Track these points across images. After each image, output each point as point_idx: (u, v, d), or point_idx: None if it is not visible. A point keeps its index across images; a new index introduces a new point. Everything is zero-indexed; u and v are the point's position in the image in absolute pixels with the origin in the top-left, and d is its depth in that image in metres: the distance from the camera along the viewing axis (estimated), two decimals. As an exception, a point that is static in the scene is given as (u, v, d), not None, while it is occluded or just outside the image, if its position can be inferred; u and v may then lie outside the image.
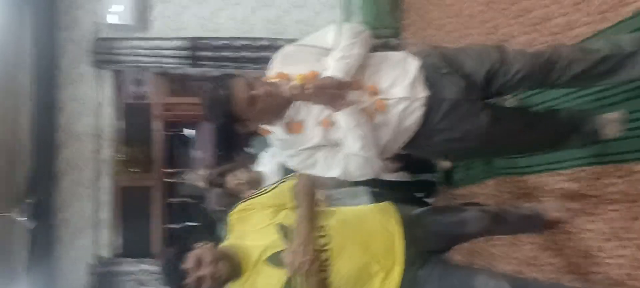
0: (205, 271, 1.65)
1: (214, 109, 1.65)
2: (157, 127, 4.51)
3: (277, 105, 1.64)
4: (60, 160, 4.34)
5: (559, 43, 2.10)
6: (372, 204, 2.07)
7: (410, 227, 1.81)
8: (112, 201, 4.34)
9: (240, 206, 1.91)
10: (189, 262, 1.67)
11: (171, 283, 1.74)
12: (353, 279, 1.74)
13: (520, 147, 1.97)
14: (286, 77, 1.66)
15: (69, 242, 4.27)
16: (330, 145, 1.69)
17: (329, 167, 1.71)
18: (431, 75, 1.71)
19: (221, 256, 1.72)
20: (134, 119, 4.51)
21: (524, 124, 1.82)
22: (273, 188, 1.93)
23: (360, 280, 1.74)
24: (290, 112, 1.67)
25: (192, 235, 4.08)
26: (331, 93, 1.62)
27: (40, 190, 4.08)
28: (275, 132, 1.73)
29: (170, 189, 4.37)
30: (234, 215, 1.90)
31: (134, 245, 4.31)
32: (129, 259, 4.26)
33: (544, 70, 1.74)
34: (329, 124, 1.66)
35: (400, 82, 1.68)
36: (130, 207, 4.37)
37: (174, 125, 4.85)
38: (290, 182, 1.87)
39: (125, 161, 4.41)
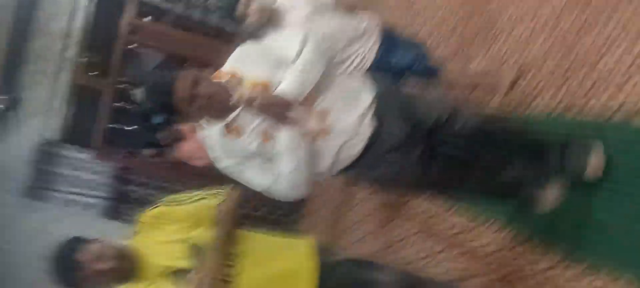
0: (105, 266, 1.57)
1: (154, 96, 1.59)
2: (121, 43, 5.07)
3: (219, 107, 1.59)
4: (31, 49, 4.94)
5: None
6: (293, 239, 1.96)
7: (323, 276, 1.71)
8: (67, 94, 4.95)
9: (155, 211, 1.82)
10: (87, 254, 1.57)
11: (62, 275, 1.61)
12: None
13: (457, 191, 1.93)
14: (237, 78, 1.62)
15: (23, 119, 4.89)
16: (264, 157, 1.67)
17: (256, 179, 1.69)
18: (381, 111, 1.70)
19: (124, 255, 1.64)
20: (102, 29, 5.08)
21: (461, 170, 1.77)
22: (194, 201, 1.83)
23: None
24: (231, 115, 1.62)
25: (128, 138, 4.71)
26: (278, 111, 1.58)
27: (10, 71, 4.71)
28: (212, 130, 1.68)
29: (120, 96, 4.93)
30: (147, 218, 1.81)
31: (77, 135, 4.93)
32: (70, 146, 4.91)
33: (491, 133, 1.76)
34: (268, 138, 1.64)
35: (350, 113, 1.67)
36: (82, 103, 4.96)
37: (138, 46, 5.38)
38: (213, 201, 1.80)
39: (87, 64, 4.98)
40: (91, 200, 4.93)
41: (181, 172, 4.45)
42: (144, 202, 1.89)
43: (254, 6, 2.20)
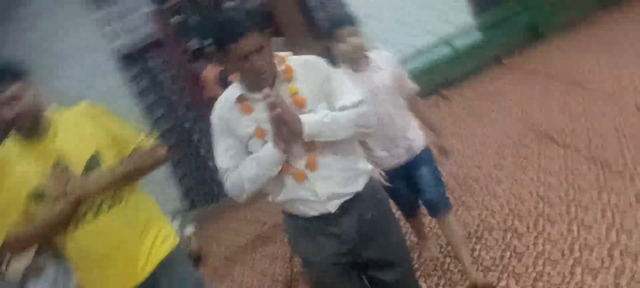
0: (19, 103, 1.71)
1: (228, 24, 1.58)
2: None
3: (257, 82, 1.62)
4: None
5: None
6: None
7: (159, 268, 1.93)
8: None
9: (99, 106, 1.92)
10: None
11: None
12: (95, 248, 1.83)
13: None
14: (288, 75, 1.67)
15: None
16: (243, 146, 1.70)
17: (222, 156, 1.72)
18: (354, 208, 1.74)
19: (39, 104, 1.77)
20: None
21: None
22: (133, 129, 1.97)
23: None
24: (256, 95, 1.64)
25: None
26: (285, 129, 1.60)
27: None
28: (234, 90, 1.70)
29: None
30: (87, 106, 1.92)
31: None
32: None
33: None
34: (261, 136, 1.66)
35: (331, 183, 1.70)
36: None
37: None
38: (145, 142, 1.94)
39: None
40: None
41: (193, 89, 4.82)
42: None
43: (354, 40, 2.35)
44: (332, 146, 1.69)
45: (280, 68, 1.68)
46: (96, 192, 1.80)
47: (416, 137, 2.52)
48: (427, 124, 2.68)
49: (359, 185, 1.76)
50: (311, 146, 1.67)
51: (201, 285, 2.05)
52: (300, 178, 1.70)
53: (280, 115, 1.57)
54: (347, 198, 1.73)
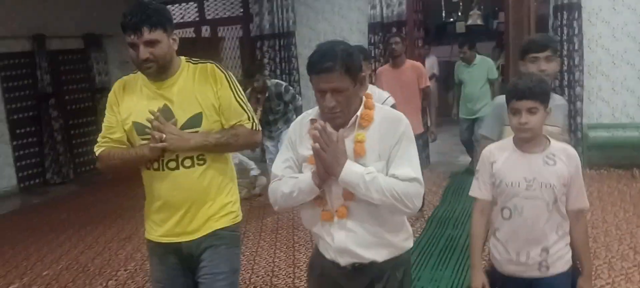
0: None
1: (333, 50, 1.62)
2: None
3: (325, 113, 1.67)
4: None
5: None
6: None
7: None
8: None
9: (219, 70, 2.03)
10: None
11: None
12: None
13: None
14: (367, 115, 1.69)
15: None
16: (298, 163, 1.78)
17: (278, 162, 1.82)
18: (366, 273, 1.74)
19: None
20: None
21: None
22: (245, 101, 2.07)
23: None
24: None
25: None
26: (322, 169, 1.64)
27: None
28: (313, 110, 1.78)
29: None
30: (212, 66, 2.03)
31: None
32: None
33: None
34: (312, 162, 1.70)
35: (353, 240, 1.70)
36: None
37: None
38: (246, 123, 2.03)
39: None
40: None
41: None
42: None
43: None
44: (370, 205, 1.67)
45: (362, 112, 1.70)
46: (185, 149, 1.94)
47: (559, 256, 2.00)
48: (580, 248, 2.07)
49: (379, 256, 1.74)
50: (349, 195, 1.68)
51: (234, 274, 2.13)
52: (327, 218, 1.74)
53: (318, 151, 1.62)
54: (361, 261, 1.74)
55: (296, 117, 1.95)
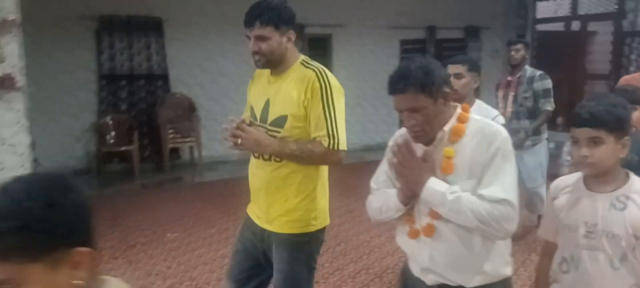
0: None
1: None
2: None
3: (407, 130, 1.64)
4: None
5: None
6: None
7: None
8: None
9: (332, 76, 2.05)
10: None
11: None
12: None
13: None
14: (458, 130, 1.59)
15: None
16: (389, 179, 1.72)
17: (378, 174, 1.79)
18: None
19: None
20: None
21: None
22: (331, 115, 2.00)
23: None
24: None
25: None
26: (403, 185, 1.61)
27: None
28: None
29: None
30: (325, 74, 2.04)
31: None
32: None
33: None
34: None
35: (439, 261, 1.62)
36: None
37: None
38: (324, 140, 1.98)
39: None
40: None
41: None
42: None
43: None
44: (459, 226, 1.55)
45: (452, 126, 1.59)
46: (260, 150, 2.05)
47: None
48: None
49: (468, 281, 1.60)
50: (436, 214, 1.58)
51: (290, 277, 2.11)
52: (413, 235, 1.66)
53: (397, 167, 1.60)
54: (448, 284, 1.63)
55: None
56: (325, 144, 1.99)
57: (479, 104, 2.92)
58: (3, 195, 0.82)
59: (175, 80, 7.47)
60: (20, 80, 3.62)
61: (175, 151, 7.51)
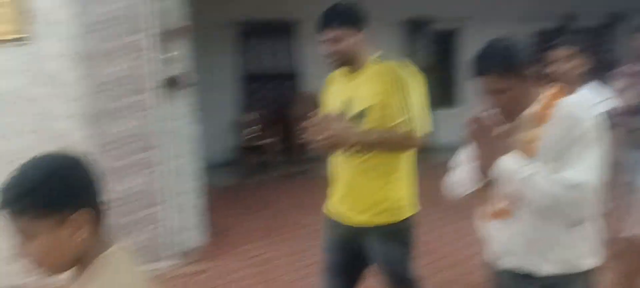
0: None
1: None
2: None
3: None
4: None
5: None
6: None
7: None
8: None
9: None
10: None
11: None
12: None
13: None
14: (543, 114, 1.55)
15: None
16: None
17: (459, 155, 1.80)
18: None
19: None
20: None
21: None
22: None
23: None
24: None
25: None
26: (479, 159, 1.57)
27: None
28: None
29: None
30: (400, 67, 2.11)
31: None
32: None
33: None
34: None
35: (513, 247, 1.62)
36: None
37: None
38: (403, 125, 2.03)
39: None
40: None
41: None
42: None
43: None
44: (534, 211, 1.51)
45: (536, 109, 1.55)
46: (346, 142, 2.06)
47: None
48: None
49: (542, 268, 1.57)
50: (511, 199, 1.55)
51: (391, 265, 2.17)
52: (492, 217, 1.65)
53: (473, 134, 1.55)
54: (522, 267, 1.61)
55: None
56: (405, 130, 2.04)
57: (590, 86, 2.81)
58: (23, 167, 1.05)
59: (307, 78, 7.93)
60: (191, 79, 4.18)
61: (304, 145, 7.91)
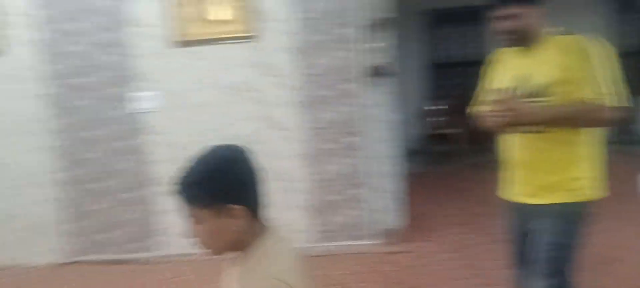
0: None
1: None
2: None
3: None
4: None
5: None
6: None
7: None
8: None
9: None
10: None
11: None
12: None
13: None
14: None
15: None
16: None
17: None
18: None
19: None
20: None
21: None
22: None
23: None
24: None
25: None
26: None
27: None
28: None
29: None
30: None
31: None
32: None
33: None
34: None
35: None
36: None
37: None
38: (599, 99, 1.93)
39: None
40: None
41: None
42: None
43: None
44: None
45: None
46: (531, 120, 1.99)
47: None
48: None
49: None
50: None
51: (560, 249, 2.04)
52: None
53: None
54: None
55: None
56: (598, 102, 1.92)
57: None
58: (196, 160, 1.19)
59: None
60: (393, 68, 4.39)
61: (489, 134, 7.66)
